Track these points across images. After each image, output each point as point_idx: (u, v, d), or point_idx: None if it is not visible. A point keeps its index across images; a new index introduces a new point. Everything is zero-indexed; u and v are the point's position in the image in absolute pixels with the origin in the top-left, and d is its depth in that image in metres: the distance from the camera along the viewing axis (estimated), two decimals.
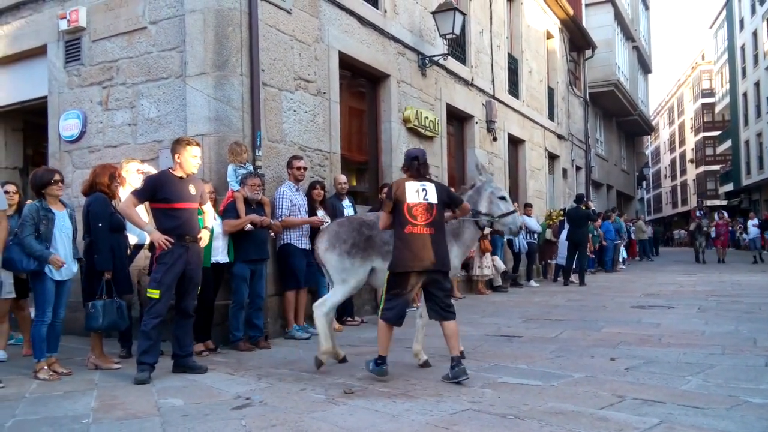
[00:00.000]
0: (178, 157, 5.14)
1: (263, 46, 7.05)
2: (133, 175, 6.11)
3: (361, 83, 9.62)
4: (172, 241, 4.98)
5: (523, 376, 4.86)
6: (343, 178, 8.03)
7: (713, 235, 22.01)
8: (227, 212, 6.24)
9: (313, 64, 7.90)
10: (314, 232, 7.09)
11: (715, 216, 22.60)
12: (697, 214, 21.73)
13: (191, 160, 5.20)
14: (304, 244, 7.01)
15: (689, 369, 4.94)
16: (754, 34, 36.84)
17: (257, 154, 6.80)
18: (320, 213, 7.30)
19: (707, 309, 8.67)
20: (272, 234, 6.70)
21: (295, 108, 7.57)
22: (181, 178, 5.16)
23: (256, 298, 6.37)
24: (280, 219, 6.75)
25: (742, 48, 39.51)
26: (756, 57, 36.63)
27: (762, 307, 8.70)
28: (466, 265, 11.47)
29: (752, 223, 21.47)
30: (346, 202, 7.98)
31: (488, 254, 11.49)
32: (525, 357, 5.55)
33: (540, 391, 4.39)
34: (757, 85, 36.37)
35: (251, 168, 6.58)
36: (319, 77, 8.02)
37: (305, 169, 7.17)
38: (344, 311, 7.89)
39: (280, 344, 6.60)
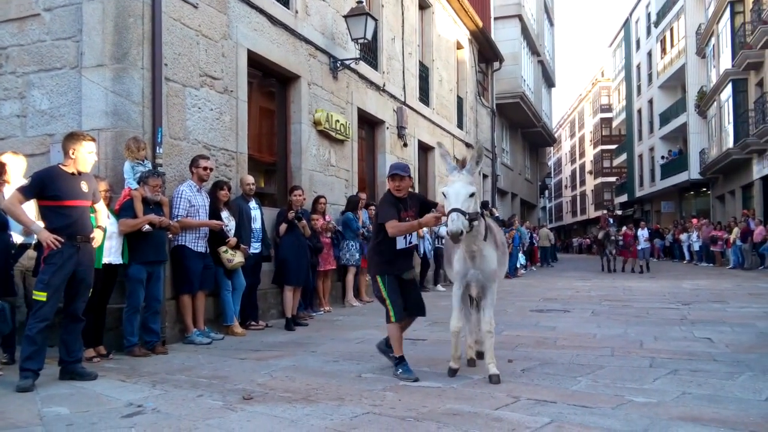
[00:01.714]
0: (73, 153, 4.86)
1: (167, 39, 6.80)
2: (14, 170, 5.72)
3: (271, 83, 9.47)
4: (62, 240, 4.70)
5: (424, 379, 4.91)
6: (250, 179, 7.87)
7: (621, 244, 20.64)
8: (124, 211, 5.95)
9: (220, 61, 7.70)
10: (213, 234, 6.91)
11: (623, 227, 21.98)
12: (609, 220, 21.43)
13: (87, 157, 4.95)
14: (200, 246, 6.79)
15: (580, 370, 5.16)
16: (649, 54, 39.33)
17: (158, 151, 6.54)
18: (224, 214, 7.11)
19: (600, 313, 9.11)
20: (170, 235, 6.46)
21: (200, 105, 7.34)
22: (72, 174, 4.89)
23: (152, 301, 6.12)
24: (176, 219, 6.50)
25: (638, 67, 42.07)
26: (650, 76, 39.10)
27: (649, 311, 9.23)
28: None
29: (642, 234, 20.79)
30: (253, 204, 7.82)
31: None
32: (428, 360, 5.61)
33: (440, 393, 4.45)
34: (650, 102, 38.81)
35: (149, 165, 6.32)
36: (227, 75, 7.82)
37: (211, 169, 6.96)
38: (249, 315, 7.73)
39: (179, 350, 6.36)
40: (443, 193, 4.51)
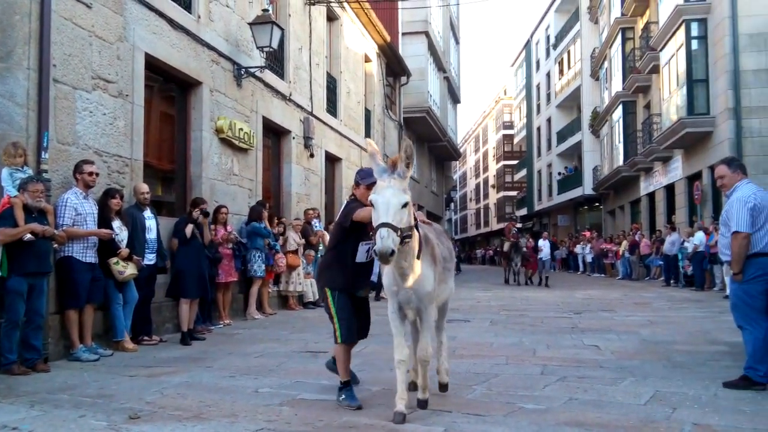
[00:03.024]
0: None
1: (56, 39, 6.44)
2: None
3: (170, 88, 9.16)
4: None
5: (323, 392, 4.86)
6: (145, 187, 7.54)
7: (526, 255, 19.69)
8: (3, 220, 5.54)
9: (115, 63, 7.37)
10: (104, 245, 6.58)
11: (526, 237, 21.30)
12: (513, 231, 20.27)
13: None
14: (89, 257, 6.43)
15: (476, 378, 5.27)
16: (548, 75, 41.27)
17: (43, 156, 6.15)
18: (116, 224, 6.78)
19: (498, 322, 9.37)
20: (55, 245, 6.08)
21: (92, 109, 6.98)
22: None
23: (34, 315, 5.72)
24: (62, 229, 6.14)
25: (538, 86, 44.05)
26: (549, 95, 41.02)
27: (544, 320, 9.59)
28: (277, 281, 11.36)
29: (543, 245, 20.11)
30: (147, 213, 7.51)
31: (299, 269, 11.47)
32: (328, 373, 5.53)
33: (337, 407, 4.41)
34: (549, 121, 40.67)
35: (30, 171, 5.92)
36: (122, 78, 7.49)
37: (97, 174, 6.59)
38: (141, 330, 7.39)
39: (63, 367, 5.98)
40: (371, 202, 3.78)
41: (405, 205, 3.71)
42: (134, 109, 7.70)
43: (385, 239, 3.54)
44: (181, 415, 4.19)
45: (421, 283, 4.06)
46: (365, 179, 4.44)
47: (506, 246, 20.30)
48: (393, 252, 3.54)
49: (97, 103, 7.07)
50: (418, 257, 3.99)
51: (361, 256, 4.41)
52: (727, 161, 5.33)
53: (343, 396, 4.41)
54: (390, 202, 3.66)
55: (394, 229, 3.59)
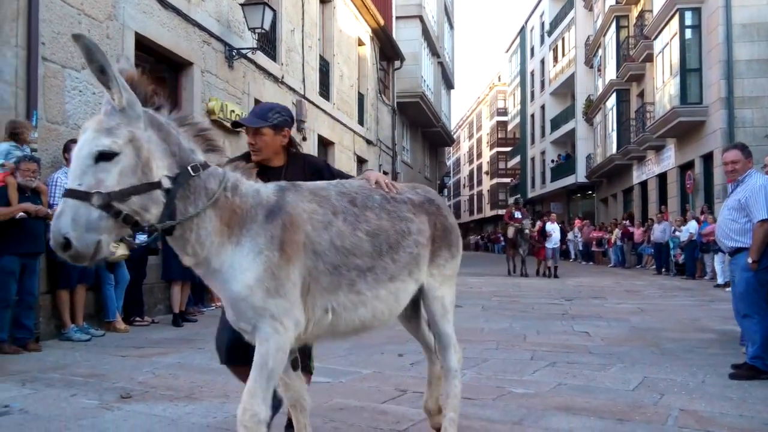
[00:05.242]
0: None
1: (45, 17, 6.36)
2: None
3: (161, 69, 9.08)
4: None
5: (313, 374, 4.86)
6: None
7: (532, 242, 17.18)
8: None
9: (105, 42, 7.29)
10: None
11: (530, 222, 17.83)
12: (516, 215, 17.28)
13: None
14: None
15: (466, 363, 5.26)
16: (542, 61, 41.16)
17: (32, 135, 6.10)
18: None
19: (489, 308, 9.41)
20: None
21: (81, 88, 6.92)
22: None
23: (26, 295, 5.72)
24: (53, 209, 6.11)
25: (532, 73, 43.94)
26: (543, 83, 40.94)
27: (534, 306, 9.64)
28: None
29: (552, 229, 17.01)
30: None
31: None
32: (317, 356, 5.54)
33: (328, 388, 4.43)
34: (543, 108, 40.63)
35: (28, 150, 5.89)
36: (111, 57, 7.40)
37: None
38: (133, 311, 7.38)
39: (54, 347, 5.98)
40: None
41: (107, 157, 2.04)
42: None
43: (56, 220, 2.00)
44: (172, 395, 4.20)
45: (225, 283, 2.33)
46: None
47: (511, 231, 17.07)
48: (68, 243, 1.96)
49: (87, 82, 7.01)
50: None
51: None
52: (739, 147, 5.20)
53: None
54: (79, 152, 2.05)
55: (84, 197, 1.99)
